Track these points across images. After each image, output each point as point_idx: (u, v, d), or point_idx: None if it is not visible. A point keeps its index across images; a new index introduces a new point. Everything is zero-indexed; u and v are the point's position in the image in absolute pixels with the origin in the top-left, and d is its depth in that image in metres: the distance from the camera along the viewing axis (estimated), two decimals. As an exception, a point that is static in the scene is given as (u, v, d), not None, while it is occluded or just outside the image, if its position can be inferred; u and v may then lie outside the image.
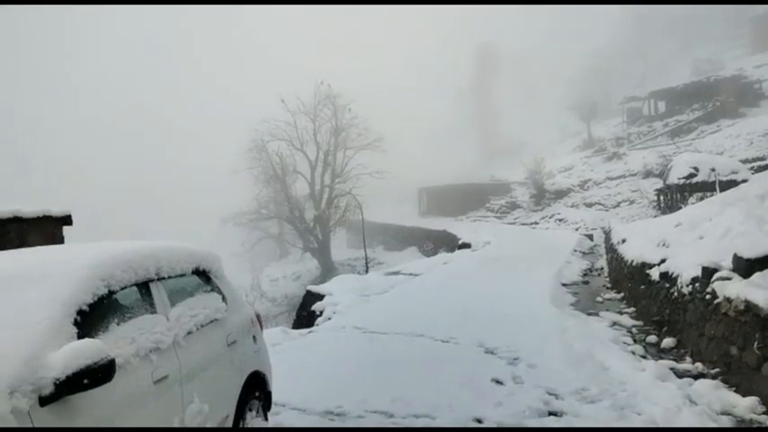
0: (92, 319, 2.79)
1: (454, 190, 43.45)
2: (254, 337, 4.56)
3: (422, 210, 48.51)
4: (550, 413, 5.15)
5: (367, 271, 28.23)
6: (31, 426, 2.23)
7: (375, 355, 7.32)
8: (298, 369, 6.64)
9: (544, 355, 6.93)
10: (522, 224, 36.12)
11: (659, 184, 28.42)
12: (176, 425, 3.19)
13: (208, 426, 3.51)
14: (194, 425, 3.34)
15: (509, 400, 5.45)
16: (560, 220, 34.31)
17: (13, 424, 2.16)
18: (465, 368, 6.54)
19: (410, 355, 7.17)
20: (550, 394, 5.60)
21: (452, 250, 26.20)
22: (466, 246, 25.44)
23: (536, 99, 55.26)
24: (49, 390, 2.33)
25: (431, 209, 46.67)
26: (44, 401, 2.33)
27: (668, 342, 7.64)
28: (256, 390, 4.41)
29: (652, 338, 8.04)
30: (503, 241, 24.96)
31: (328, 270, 36.92)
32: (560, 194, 38.79)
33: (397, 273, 17.16)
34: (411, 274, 16.39)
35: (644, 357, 7.13)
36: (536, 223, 35.56)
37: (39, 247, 3.93)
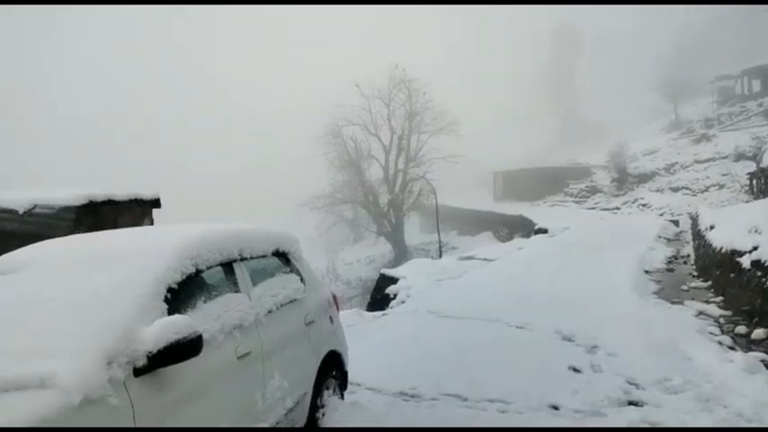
0: (180, 296, 2.94)
1: (531, 174, 42.50)
2: (330, 317, 4.67)
3: (497, 194, 47.78)
4: (630, 403, 5.01)
5: (440, 256, 28.17)
6: (126, 394, 2.38)
7: (449, 338, 7.32)
8: (372, 350, 6.74)
9: (625, 343, 6.71)
10: (603, 209, 34.89)
11: (752, 167, 26.68)
12: (258, 400, 3.32)
13: (288, 401, 3.64)
14: (275, 400, 3.47)
15: (587, 388, 5.33)
16: (644, 206, 32.91)
17: (110, 393, 2.31)
18: (541, 354, 6.45)
19: (484, 340, 7.13)
20: (631, 384, 5.43)
21: (528, 236, 25.70)
22: (543, 231, 24.88)
23: (619, 79, 53.01)
24: (142, 362, 2.48)
25: (506, 193, 45.88)
26: (138, 373, 2.48)
27: (759, 333, 7.22)
28: (333, 369, 4.52)
29: (741, 329, 7.62)
30: (582, 226, 24.24)
31: (401, 254, 37.10)
32: (644, 178, 37.14)
33: (471, 258, 17.03)
34: (485, 260, 16.22)
35: (732, 348, 6.77)
36: (617, 208, 34.27)
37: (131, 228, 4.17)
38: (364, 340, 7.16)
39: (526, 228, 29.50)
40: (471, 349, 6.74)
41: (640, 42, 52.84)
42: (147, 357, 2.48)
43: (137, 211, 6.05)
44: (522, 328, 7.72)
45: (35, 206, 5.58)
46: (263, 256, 4.00)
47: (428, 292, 11.30)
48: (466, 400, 5.14)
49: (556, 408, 4.92)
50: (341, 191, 40.68)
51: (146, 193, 6.30)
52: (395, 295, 11.84)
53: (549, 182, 41.66)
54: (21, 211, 5.59)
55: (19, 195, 5.80)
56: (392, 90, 39.35)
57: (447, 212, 40.45)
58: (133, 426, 2.36)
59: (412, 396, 5.30)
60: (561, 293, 10.01)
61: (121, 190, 6.07)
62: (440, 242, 32.81)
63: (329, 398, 4.37)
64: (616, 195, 36.98)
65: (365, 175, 40.40)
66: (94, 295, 2.70)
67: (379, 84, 38.86)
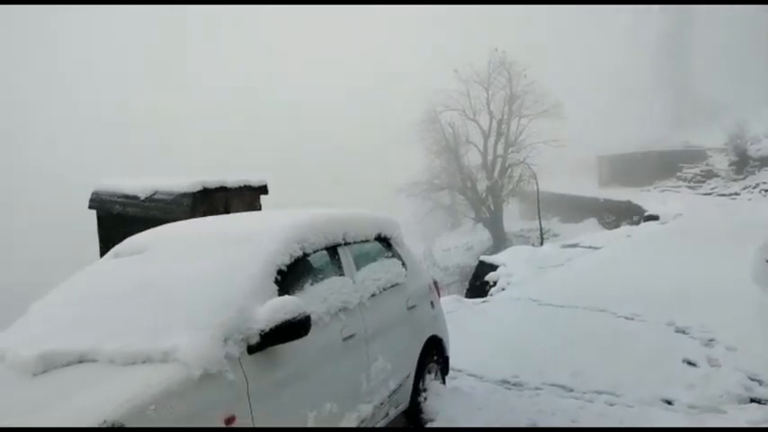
0: (289, 278, 3.04)
1: (639, 157, 40.30)
2: (431, 302, 4.67)
3: (602, 179, 45.73)
4: (752, 400, 4.65)
5: (542, 243, 27.45)
6: (241, 370, 2.50)
7: (552, 327, 7.13)
8: (473, 337, 6.69)
9: (745, 337, 6.22)
10: (720, 195, 32.53)
11: None
12: (362, 381, 3.39)
13: (391, 383, 3.69)
14: (378, 381, 3.53)
15: (703, 382, 5.01)
16: (766, 191, 30.40)
17: (227, 368, 2.43)
18: (652, 346, 6.12)
19: (590, 330, 6.87)
20: (753, 380, 5.04)
21: (637, 223, 24.47)
22: (653, 218, 23.57)
23: (740, 56, 48.86)
24: (255, 340, 2.59)
25: (612, 178, 43.82)
26: (251, 350, 2.59)
27: None
28: (435, 354, 4.53)
29: None
30: (696, 213, 22.72)
31: (500, 241, 36.50)
32: (767, 162, 34.26)
33: (574, 245, 16.46)
34: (590, 247, 15.62)
35: None
36: (736, 194, 31.84)
37: (242, 213, 4.37)
38: (464, 327, 7.12)
39: (634, 214, 28.09)
40: (576, 339, 6.52)
41: (761, 12, 48.40)
42: (260, 335, 2.59)
43: (246, 198, 6.33)
44: (630, 318, 7.37)
45: (155, 192, 5.97)
46: (366, 241, 4.06)
47: (530, 279, 11.04)
48: (571, 390, 4.98)
49: (669, 402, 4.66)
50: (438, 177, 40.51)
51: (254, 179, 6.56)
52: (495, 282, 11.68)
53: (660, 166, 39.32)
54: (142, 197, 6.00)
55: (141, 183, 6.22)
56: (491, 74, 38.59)
57: (549, 198, 39.22)
58: (247, 400, 2.47)
59: (514, 384, 5.21)
60: (674, 283, 9.44)
61: (232, 177, 6.36)
62: (541, 229, 31.95)
63: (431, 382, 4.39)
64: (735, 180, 34.33)
65: (463, 160, 39.98)
66: (211, 276, 2.85)
67: (479, 68, 38.22)
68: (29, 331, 2.82)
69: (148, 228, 3.94)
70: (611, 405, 4.64)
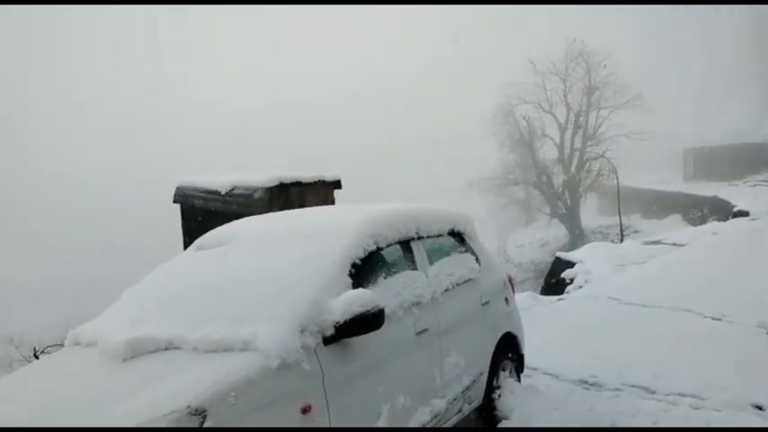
0: (363, 271, 3.07)
1: (727, 151, 38.09)
2: (506, 298, 4.60)
3: (687, 173, 43.55)
4: None
5: (622, 240, 26.49)
6: (317, 360, 2.55)
7: (633, 327, 6.86)
8: (549, 335, 6.54)
9: None
10: (819, 189, 30.33)
11: None
12: (436, 376, 3.38)
13: (465, 379, 3.66)
14: (452, 377, 3.52)
15: (799, 389, 4.69)
16: None
17: (303, 358, 2.49)
18: (741, 349, 5.78)
19: (673, 331, 6.57)
20: None
21: (725, 219, 23.17)
22: (742, 214, 22.23)
23: None
24: (330, 332, 2.64)
25: (698, 172, 41.64)
26: (326, 342, 2.64)
27: None
28: (509, 351, 4.46)
29: None
30: (791, 209, 21.27)
31: (577, 237, 35.46)
32: None
33: (657, 242, 15.75)
34: (674, 244, 14.90)
35: None
36: (837, 188, 29.60)
37: (317, 207, 4.45)
38: (540, 325, 6.96)
39: (722, 210, 26.58)
40: (658, 339, 6.24)
41: None
42: (335, 327, 2.62)
43: (321, 192, 6.45)
44: (717, 319, 6.99)
45: (234, 188, 6.18)
46: (439, 236, 4.05)
47: (609, 277, 10.67)
48: (653, 392, 4.78)
49: (760, 408, 4.39)
50: (512, 172, 39.78)
51: (328, 175, 6.69)
52: (571, 280, 11.37)
53: (749, 159, 36.98)
54: (223, 192, 6.22)
55: (221, 178, 6.45)
56: (569, 65, 37.48)
57: (629, 193, 37.72)
58: (323, 390, 2.52)
59: (593, 384, 5.06)
60: (765, 284, 8.89)
61: (307, 172, 6.50)
62: (621, 225, 30.80)
63: (505, 379, 4.33)
64: (836, 173, 31.92)
65: (538, 154, 39.08)
66: (288, 268, 2.93)
67: (555, 58, 37.19)
68: (119, 318, 2.98)
69: (228, 221, 4.08)
70: (697, 409, 4.42)
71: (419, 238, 3.73)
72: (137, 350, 2.54)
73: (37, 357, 7.46)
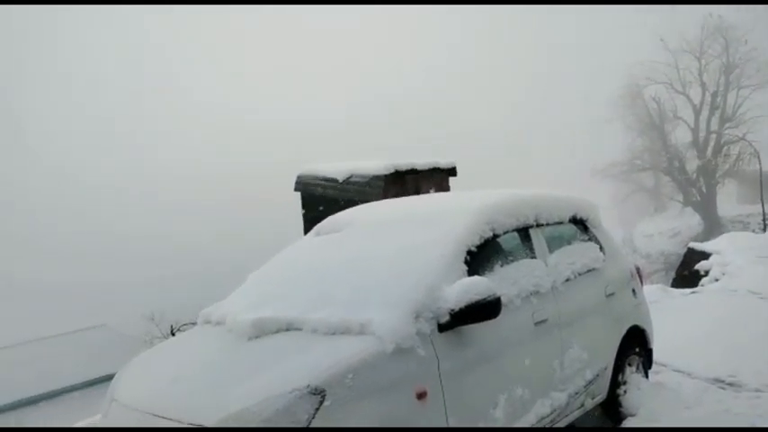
0: (479, 259, 3.01)
1: None
2: (633, 290, 4.34)
3: None
4: None
5: (765, 229, 24.19)
6: (432, 347, 2.53)
7: (778, 325, 6.25)
8: (680, 330, 6.10)
9: None
10: None
11: None
12: (556, 368, 3.26)
13: (587, 373, 3.50)
14: (573, 370, 3.37)
15: None
16: None
17: (418, 344, 2.48)
18: None
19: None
20: None
21: None
22: None
23: None
24: (445, 319, 2.60)
25: None
26: (441, 329, 2.61)
27: None
28: (636, 345, 4.21)
29: None
30: None
31: (713, 227, 32.87)
32: None
33: (807, 232, 14.26)
34: (828, 235, 13.42)
35: None
36: None
37: (432, 194, 4.43)
38: (671, 319, 6.51)
39: None
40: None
41: None
42: (450, 315, 2.59)
43: (436, 179, 6.44)
44: None
45: (351, 175, 6.32)
46: (560, 223, 3.88)
47: (749, 269, 9.78)
48: (802, 396, 4.32)
49: None
50: (640, 157, 37.58)
51: (443, 161, 6.65)
52: (706, 272, 10.60)
53: None
54: (340, 180, 6.38)
55: (339, 166, 6.62)
56: (704, 41, 34.66)
57: (774, 179, 34.41)
58: (438, 377, 2.50)
59: (729, 384, 4.65)
60: None
61: (422, 159, 6.50)
62: (764, 214, 28.14)
63: (632, 375, 4.10)
64: None
65: (669, 138, 36.59)
66: (403, 254, 2.93)
67: (689, 36, 34.52)
68: (244, 299, 3.13)
69: (345, 208, 4.16)
70: None
71: (538, 225, 3.60)
72: (260, 330, 2.65)
73: (173, 334, 8.10)
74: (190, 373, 2.56)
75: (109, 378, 3.29)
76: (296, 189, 7.10)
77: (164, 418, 2.31)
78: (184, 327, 7.39)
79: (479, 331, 2.74)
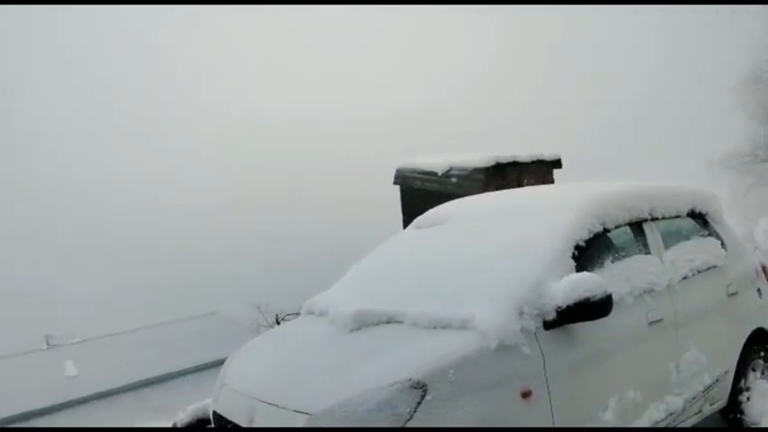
0: (588, 254, 2.87)
1: None
2: (758, 290, 3.99)
3: None
4: None
5: None
6: (537, 345, 2.43)
7: None
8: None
9: None
10: None
11: None
12: (671, 371, 3.06)
13: (705, 377, 3.26)
14: (690, 374, 3.16)
15: None
16: None
17: (522, 341, 2.39)
18: None
19: None
20: None
21: None
22: None
23: None
24: (551, 316, 2.50)
25: None
26: (547, 326, 2.51)
27: None
28: (761, 349, 3.88)
29: None
30: None
31: None
32: None
33: None
34: None
35: None
36: None
37: (536, 187, 4.29)
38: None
39: None
40: None
41: None
42: (557, 312, 2.48)
43: (539, 172, 6.25)
44: None
45: (451, 168, 6.26)
46: (677, 217, 3.63)
47: None
48: None
49: None
50: (763, 147, 34.62)
51: (547, 153, 6.44)
52: None
53: None
54: (440, 173, 6.34)
55: (438, 160, 6.57)
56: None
57: None
58: (544, 376, 2.41)
59: None
60: None
61: (525, 151, 6.32)
62: None
63: (756, 381, 3.78)
64: None
65: (796, 127, 33.47)
66: (507, 249, 2.84)
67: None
68: (346, 291, 3.17)
69: (445, 201, 4.11)
70: None
71: (653, 219, 3.39)
72: (362, 322, 2.67)
73: (278, 323, 8.39)
74: (294, 362, 2.62)
75: (219, 363, 3.44)
76: (395, 182, 7.13)
77: (270, 404, 2.38)
78: (288, 316, 7.64)
79: (588, 330, 2.61)
